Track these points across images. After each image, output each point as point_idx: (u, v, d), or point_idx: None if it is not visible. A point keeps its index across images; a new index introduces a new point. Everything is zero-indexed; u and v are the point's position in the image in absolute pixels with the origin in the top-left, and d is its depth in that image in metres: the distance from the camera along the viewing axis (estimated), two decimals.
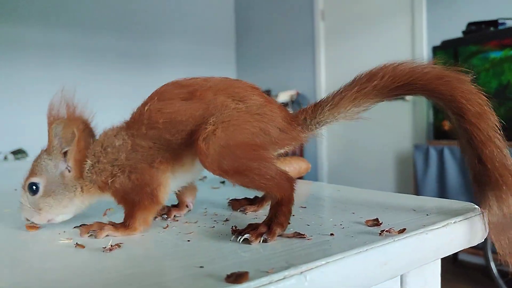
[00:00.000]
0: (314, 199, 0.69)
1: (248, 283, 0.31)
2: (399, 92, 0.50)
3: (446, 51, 2.78)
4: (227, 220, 0.53)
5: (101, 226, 0.47)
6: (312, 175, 3.86)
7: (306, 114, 0.53)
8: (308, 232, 0.45)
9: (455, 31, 2.81)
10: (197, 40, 4.73)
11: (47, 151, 0.50)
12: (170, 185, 0.51)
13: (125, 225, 0.47)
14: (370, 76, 0.51)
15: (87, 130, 0.51)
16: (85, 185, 0.49)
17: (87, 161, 0.49)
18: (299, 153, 3.93)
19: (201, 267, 0.35)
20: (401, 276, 0.48)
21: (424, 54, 3.10)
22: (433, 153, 2.67)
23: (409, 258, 0.42)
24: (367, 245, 0.39)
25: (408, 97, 3.20)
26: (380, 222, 0.47)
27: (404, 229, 0.43)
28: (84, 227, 0.47)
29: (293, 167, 0.81)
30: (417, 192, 2.73)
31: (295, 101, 3.95)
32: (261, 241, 0.42)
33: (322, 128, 0.54)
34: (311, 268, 0.34)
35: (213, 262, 0.36)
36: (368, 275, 0.38)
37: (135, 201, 0.48)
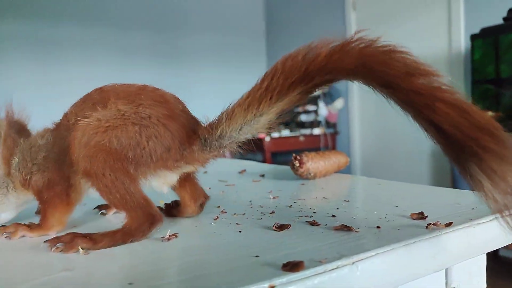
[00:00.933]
0: (356, 192, 0.70)
1: (304, 271, 0.33)
2: (304, 87, 0.43)
3: (485, 39, 2.68)
4: (273, 212, 0.55)
5: (17, 227, 0.48)
6: (345, 168, 3.83)
7: (205, 131, 0.47)
8: (354, 225, 0.46)
9: (495, 18, 2.70)
10: (227, 33, 4.76)
11: None
12: (83, 186, 0.50)
13: (39, 225, 0.48)
14: (263, 78, 0.45)
15: (17, 129, 0.52)
16: (14, 182, 0.50)
17: (14, 158, 0.50)
18: (332, 145, 3.91)
19: (256, 256, 0.38)
20: (446, 270, 0.49)
21: (461, 43, 3.00)
22: None
23: (456, 251, 0.43)
24: (415, 238, 0.40)
25: None
26: (426, 215, 0.48)
27: (451, 222, 0.44)
28: (0, 229, 0.48)
29: (332, 161, 0.82)
30: (454, 185, 2.66)
31: (327, 94, 3.92)
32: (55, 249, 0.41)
33: (228, 147, 0.48)
34: (362, 259, 0.36)
35: (266, 252, 0.39)
36: (416, 267, 0.40)
37: (47, 200, 0.48)
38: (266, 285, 0.31)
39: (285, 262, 0.34)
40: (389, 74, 0.38)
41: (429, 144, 3.29)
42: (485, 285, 0.55)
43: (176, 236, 0.45)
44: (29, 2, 3.67)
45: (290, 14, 4.74)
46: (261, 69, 5.07)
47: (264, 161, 3.61)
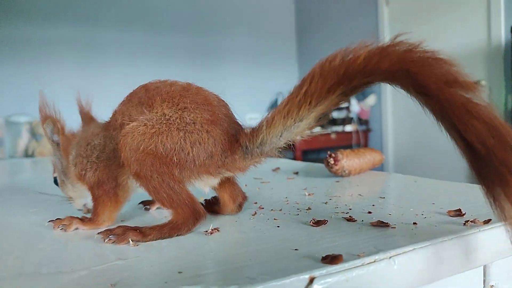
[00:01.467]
0: (391, 189, 0.70)
1: (342, 264, 0.35)
2: (343, 90, 0.43)
3: None
4: (309, 208, 0.57)
5: (71, 220, 0.51)
6: (378, 166, 3.78)
7: (246, 138, 0.48)
8: (390, 221, 0.47)
9: None
10: (258, 34, 4.79)
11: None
12: (131, 185, 0.53)
13: (91, 220, 0.52)
14: (301, 83, 0.45)
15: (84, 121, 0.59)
16: (70, 174, 0.55)
17: (72, 153, 0.54)
18: (364, 142, 3.86)
19: (295, 249, 0.39)
20: (484, 267, 0.49)
21: (502, 35, 2.88)
22: None
23: (494, 249, 0.43)
24: (452, 234, 0.40)
25: (483, 82, 3.00)
26: (463, 212, 0.48)
27: (490, 219, 0.44)
28: (56, 221, 0.52)
29: (367, 158, 0.83)
30: None
31: (360, 93, 3.87)
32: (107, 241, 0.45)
33: (269, 153, 0.49)
34: (399, 254, 0.37)
35: (305, 245, 0.41)
36: (452, 263, 0.40)
37: (97, 197, 0.52)
38: (307, 276, 0.33)
39: (324, 255, 0.36)
40: (427, 82, 0.38)
41: None
42: None
43: (218, 230, 0.48)
44: (72, 8, 3.83)
45: (320, 14, 4.70)
46: (292, 71, 5.08)
47: (294, 159, 3.61)
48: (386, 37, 3.18)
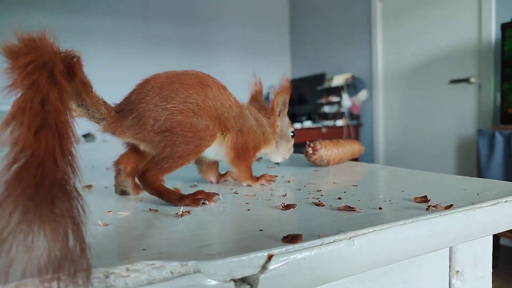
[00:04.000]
0: (366, 178, 0.72)
1: (301, 243, 0.36)
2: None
3: None
4: (284, 195, 0.58)
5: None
6: (368, 160, 3.81)
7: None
8: (358, 206, 0.48)
9: None
10: (251, 24, 4.78)
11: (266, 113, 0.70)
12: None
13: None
14: None
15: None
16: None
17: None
18: (355, 137, 3.88)
19: (260, 230, 0.40)
20: (450, 249, 0.51)
21: (492, 32, 2.91)
22: (499, 139, 2.52)
23: (454, 232, 0.44)
24: (413, 218, 0.42)
25: (472, 79, 3.03)
26: (429, 199, 0.50)
27: (451, 205, 0.45)
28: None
29: (346, 149, 0.84)
30: (480, 177, 2.60)
31: (351, 85, 3.89)
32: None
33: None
34: (359, 235, 0.38)
35: (270, 227, 0.42)
36: (413, 244, 0.41)
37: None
38: (266, 253, 0.34)
39: (285, 235, 0.37)
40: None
41: (455, 136, 3.23)
42: (491, 270, 0.56)
43: (188, 213, 0.49)
44: None
45: (314, 5, 4.70)
46: (285, 64, 5.07)
47: None
48: (379, 31, 3.18)
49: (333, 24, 4.39)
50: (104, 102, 0.54)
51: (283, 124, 0.71)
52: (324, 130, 3.83)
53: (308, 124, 3.96)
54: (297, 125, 3.86)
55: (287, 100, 0.70)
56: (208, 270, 0.32)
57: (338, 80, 4.02)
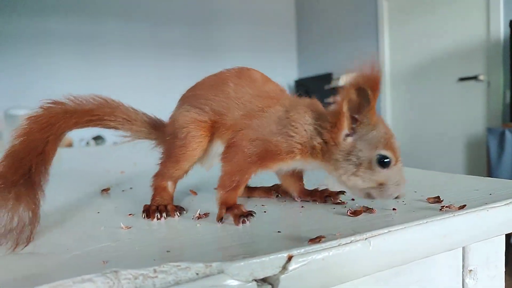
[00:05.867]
0: None
1: (320, 244, 0.37)
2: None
3: None
4: (277, 196, 0.59)
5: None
6: None
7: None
8: (372, 207, 0.49)
9: None
10: (258, 25, 4.79)
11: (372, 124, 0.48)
12: None
13: None
14: None
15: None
16: None
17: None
18: None
19: (278, 232, 0.42)
20: (463, 249, 0.51)
21: (501, 29, 2.89)
22: (509, 137, 2.51)
23: (468, 232, 0.45)
24: (427, 218, 0.43)
25: (481, 77, 3.01)
26: (441, 199, 0.51)
27: (464, 205, 0.46)
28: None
29: None
30: (490, 175, 2.59)
31: None
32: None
33: None
34: (375, 236, 0.39)
35: (288, 228, 0.43)
36: (428, 245, 0.42)
37: None
38: (285, 254, 0.35)
39: (309, 237, 0.38)
40: None
41: (464, 134, 3.21)
42: (503, 270, 0.57)
43: (206, 216, 0.50)
44: (74, 2, 3.84)
45: (320, 5, 4.70)
46: (292, 62, 5.08)
47: None
48: (385, 30, 3.16)
49: (340, 23, 4.39)
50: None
51: (362, 140, 0.47)
52: None
53: None
54: None
55: (373, 101, 0.46)
56: (231, 271, 0.33)
57: (345, 80, 4.02)
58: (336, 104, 0.47)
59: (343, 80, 4.01)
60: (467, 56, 3.15)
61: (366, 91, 0.45)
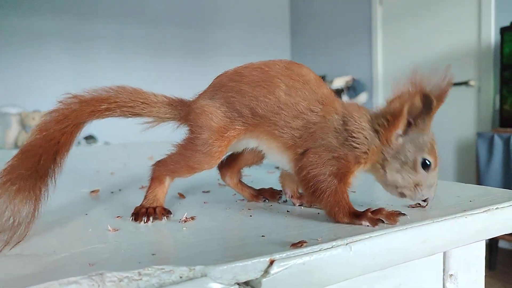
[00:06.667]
0: (364, 184, 0.74)
1: (301, 249, 0.38)
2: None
3: None
4: (285, 201, 0.60)
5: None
6: None
7: None
8: None
9: None
10: (252, 27, 4.81)
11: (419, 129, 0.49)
12: None
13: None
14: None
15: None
16: None
17: None
18: None
19: (262, 236, 0.43)
20: (444, 253, 0.53)
21: (491, 36, 2.93)
22: (498, 142, 2.54)
23: (447, 238, 0.46)
24: (407, 224, 0.44)
25: (472, 82, 3.05)
26: (423, 205, 0.52)
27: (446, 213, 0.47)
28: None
29: None
30: (479, 182, 2.62)
31: (351, 87, 3.91)
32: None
33: None
34: (356, 241, 0.40)
35: (272, 233, 0.44)
36: (408, 249, 0.44)
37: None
38: (267, 258, 0.36)
39: (292, 242, 0.39)
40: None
41: (454, 141, 3.25)
42: (484, 274, 0.58)
43: (192, 219, 0.51)
44: (68, 1, 3.82)
45: (314, 8, 4.73)
46: None
47: None
48: (379, 34, 3.17)
49: (334, 27, 4.42)
50: None
51: (411, 142, 0.48)
52: None
53: None
54: None
55: (433, 110, 0.47)
56: (214, 274, 0.34)
57: (338, 83, 4.05)
58: (396, 103, 0.48)
59: (336, 83, 4.03)
60: (458, 62, 3.19)
61: (431, 100, 0.46)
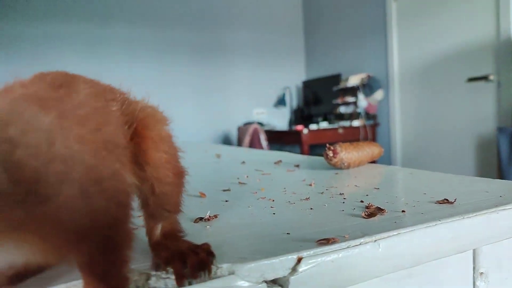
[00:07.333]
0: (387, 181, 0.72)
1: (329, 246, 0.37)
2: None
3: None
4: (307, 198, 0.59)
5: None
6: (386, 160, 3.78)
7: None
8: (384, 207, 0.49)
9: None
10: (265, 28, 4.80)
11: None
12: None
13: None
14: None
15: None
16: None
17: None
18: (372, 137, 3.86)
19: (288, 233, 0.42)
20: (474, 251, 0.51)
21: (511, 30, 2.86)
22: None
23: (478, 235, 0.45)
24: (436, 221, 0.43)
25: (491, 77, 2.98)
26: (451, 201, 0.50)
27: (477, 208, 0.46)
28: None
29: (365, 151, 0.85)
30: (502, 178, 2.56)
31: (367, 85, 3.87)
32: None
33: None
34: (384, 238, 0.39)
35: (297, 230, 0.43)
36: (438, 247, 0.42)
37: None
38: (295, 256, 0.35)
39: (317, 239, 0.39)
40: None
41: (474, 136, 3.18)
42: None
43: (216, 217, 0.51)
44: (76, 4, 3.89)
45: (328, 7, 4.69)
46: (300, 65, 5.08)
47: (302, 153, 3.63)
48: (394, 31, 3.14)
49: (348, 24, 4.38)
50: None
51: None
52: (340, 130, 3.81)
53: (324, 125, 3.95)
54: (313, 126, 3.86)
55: None
56: (242, 273, 0.33)
57: (353, 80, 4.00)
58: None
59: (351, 80, 3.99)
60: (476, 56, 3.12)
61: None
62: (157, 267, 0.34)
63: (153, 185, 0.37)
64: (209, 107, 4.36)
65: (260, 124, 4.30)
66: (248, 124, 4.22)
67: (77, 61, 3.86)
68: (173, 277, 0.33)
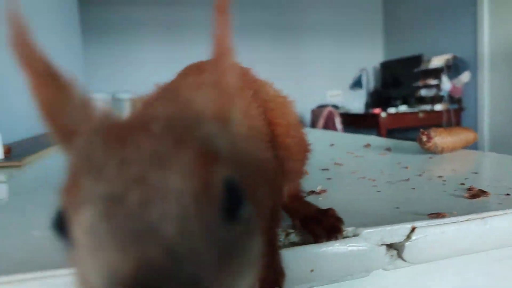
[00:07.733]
0: (484, 166, 0.74)
1: (440, 219, 0.42)
2: None
3: None
4: (407, 179, 0.63)
5: None
6: (472, 146, 3.57)
7: None
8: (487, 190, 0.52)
9: None
10: (341, 6, 4.69)
11: None
12: None
13: None
14: None
15: None
16: None
17: None
18: (456, 122, 3.65)
19: (397, 207, 0.47)
20: None
21: None
22: None
23: None
24: None
25: None
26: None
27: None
28: None
29: (459, 137, 0.85)
30: None
31: (452, 66, 3.65)
32: None
33: None
34: (491, 216, 0.43)
35: (405, 205, 0.48)
36: None
37: None
38: (409, 225, 0.41)
39: (428, 213, 0.44)
40: None
41: None
42: None
43: (325, 192, 0.57)
44: None
45: None
46: (377, 46, 4.91)
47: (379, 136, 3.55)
48: (485, 6, 2.91)
49: (430, 5, 4.12)
50: None
51: None
52: (421, 115, 3.66)
53: (403, 108, 3.83)
54: (392, 110, 3.75)
55: None
56: (364, 235, 0.40)
57: (437, 62, 3.80)
58: None
59: (434, 62, 3.79)
60: None
61: None
62: (293, 226, 0.41)
63: (283, 163, 0.44)
64: (282, 89, 4.42)
65: (335, 106, 4.27)
66: (322, 106, 4.21)
67: (154, 44, 4.14)
68: (307, 234, 0.40)
